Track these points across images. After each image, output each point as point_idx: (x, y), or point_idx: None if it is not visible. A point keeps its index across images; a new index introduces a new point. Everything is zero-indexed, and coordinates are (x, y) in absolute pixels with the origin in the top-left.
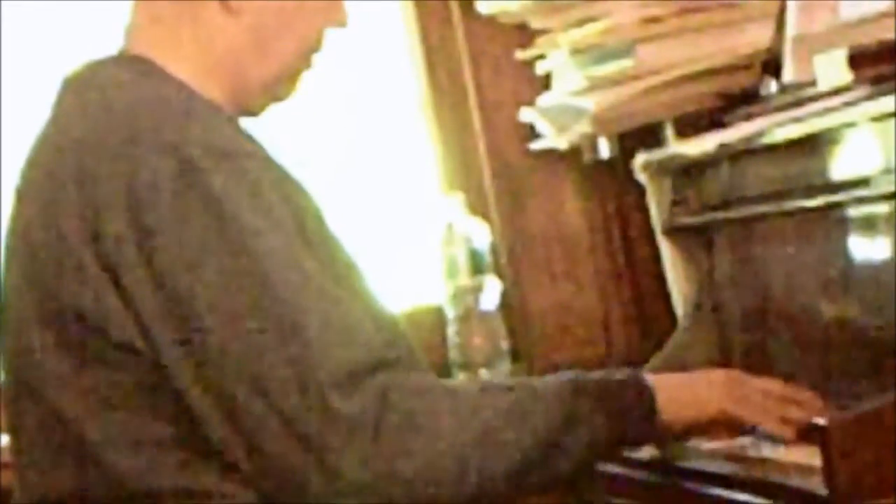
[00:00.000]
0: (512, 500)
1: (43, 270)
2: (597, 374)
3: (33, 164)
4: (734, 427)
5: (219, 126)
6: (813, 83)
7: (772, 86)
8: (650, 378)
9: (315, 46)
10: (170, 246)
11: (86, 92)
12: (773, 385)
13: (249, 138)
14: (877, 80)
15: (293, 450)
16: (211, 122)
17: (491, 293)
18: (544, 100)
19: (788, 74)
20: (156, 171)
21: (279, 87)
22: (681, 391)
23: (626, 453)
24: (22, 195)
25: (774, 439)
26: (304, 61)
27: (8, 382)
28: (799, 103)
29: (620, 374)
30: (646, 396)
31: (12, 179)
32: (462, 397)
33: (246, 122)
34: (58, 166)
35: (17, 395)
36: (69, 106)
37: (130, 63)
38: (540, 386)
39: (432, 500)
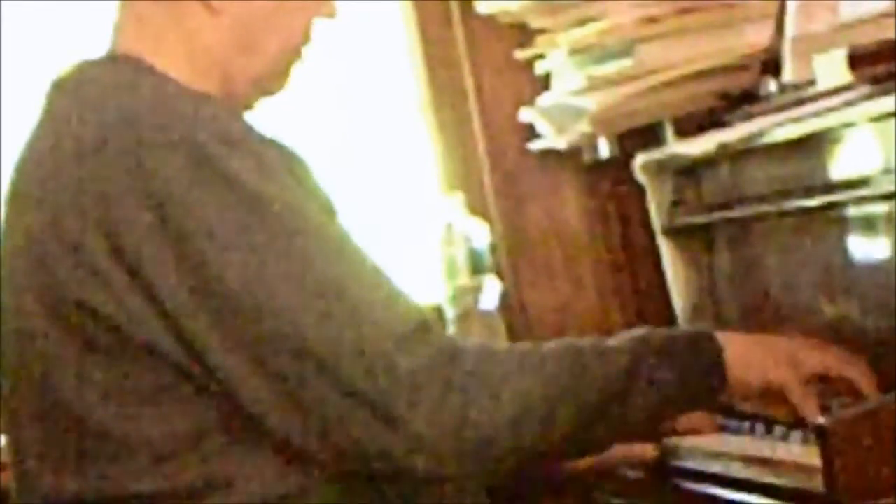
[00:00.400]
0: (579, 452)
1: (55, 277)
2: (665, 330)
3: (29, 167)
4: (781, 399)
5: (221, 115)
6: (812, 83)
7: (771, 86)
8: (719, 335)
9: (304, 40)
10: (196, 235)
11: (80, 93)
12: (837, 362)
13: (250, 125)
14: (876, 80)
15: (358, 414)
16: (213, 113)
17: (490, 293)
18: (544, 100)
19: (788, 74)
20: (171, 167)
21: (269, 81)
22: (749, 352)
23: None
24: (18, 201)
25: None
26: (293, 55)
27: (11, 387)
28: (798, 103)
29: (690, 330)
30: (714, 351)
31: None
32: (525, 352)
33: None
34: (60, 171)
35: (22, 398)
36: (64, 108)
37: (121, 63)
38: (606, 341)
39: (498, 453)
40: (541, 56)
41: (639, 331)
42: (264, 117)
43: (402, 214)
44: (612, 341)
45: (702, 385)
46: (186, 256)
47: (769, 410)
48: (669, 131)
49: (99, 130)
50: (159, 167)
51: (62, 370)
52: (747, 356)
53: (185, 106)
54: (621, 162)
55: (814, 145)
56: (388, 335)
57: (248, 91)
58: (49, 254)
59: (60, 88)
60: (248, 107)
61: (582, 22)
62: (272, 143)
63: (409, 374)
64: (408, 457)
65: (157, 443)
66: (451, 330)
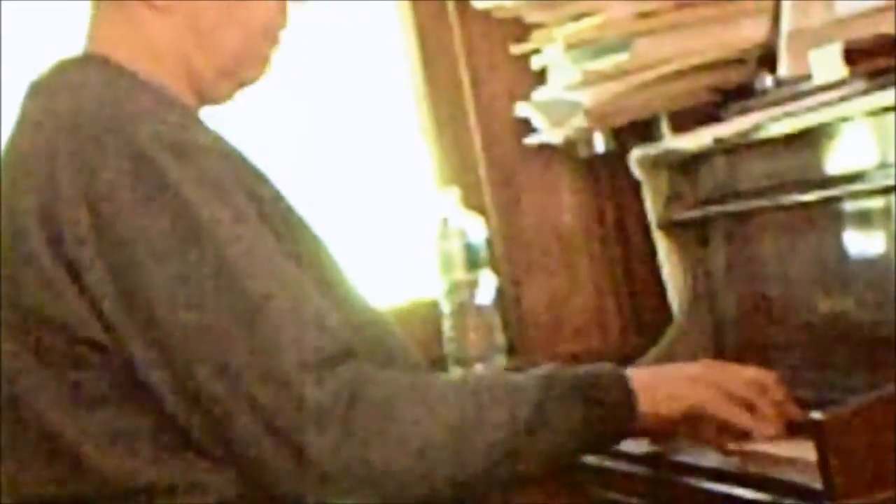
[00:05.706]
0: (486, 492)
1: (5, 275)
2: (574, 368)
3: (1, 173)
4: (708, 422)
5: (175, 121)
6: (808, 78)
7: (767, 80)
8: (627, 371)
9: (271, 26)
10: (129, 240)
11: (46, 96)
12: (750, 374)
13: (207, 130)
14: (872, 75)
15: (264, 439)
16: (168, 118)
17: (486, 287)
18: (539, 94)
19: (784, 69)
20: (113, 169)
21: (241, 72)
22: (657, 384)
23: (619, 447)
24: None
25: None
26: (262, 43)
27: None
28: (794, 98)
29: (597, 366)
30: (623, 387)
31: None
32: (432, 388)
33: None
34: (21, 173)
35: None
36: (33, 111)
37: (91, 63)
38: (513, 378)
39: (402, 490)
40: (536, 51)
41: (546, 368)
42: (264, 116)
43: (398, 209)
44: (521, 377)
45: (611, 419)
46: (118, 263)
47: (696, 437)
48: (665, 126)
49: (52, 134)
50: (102, 170)
51: (20, 373)
52: (658, 389)
53: (137, 107)
54: (617, 156)
55: (810, 140)
56: (302, 363)
57: (218, 84)
58: (6, 260)
59: (34, 91)
60: (219, 101)
61: (578, 17)
62: (222, 152)
63: (317, 407)
64: (312, 489)
65: (109, 444)
66: (448, 324)
